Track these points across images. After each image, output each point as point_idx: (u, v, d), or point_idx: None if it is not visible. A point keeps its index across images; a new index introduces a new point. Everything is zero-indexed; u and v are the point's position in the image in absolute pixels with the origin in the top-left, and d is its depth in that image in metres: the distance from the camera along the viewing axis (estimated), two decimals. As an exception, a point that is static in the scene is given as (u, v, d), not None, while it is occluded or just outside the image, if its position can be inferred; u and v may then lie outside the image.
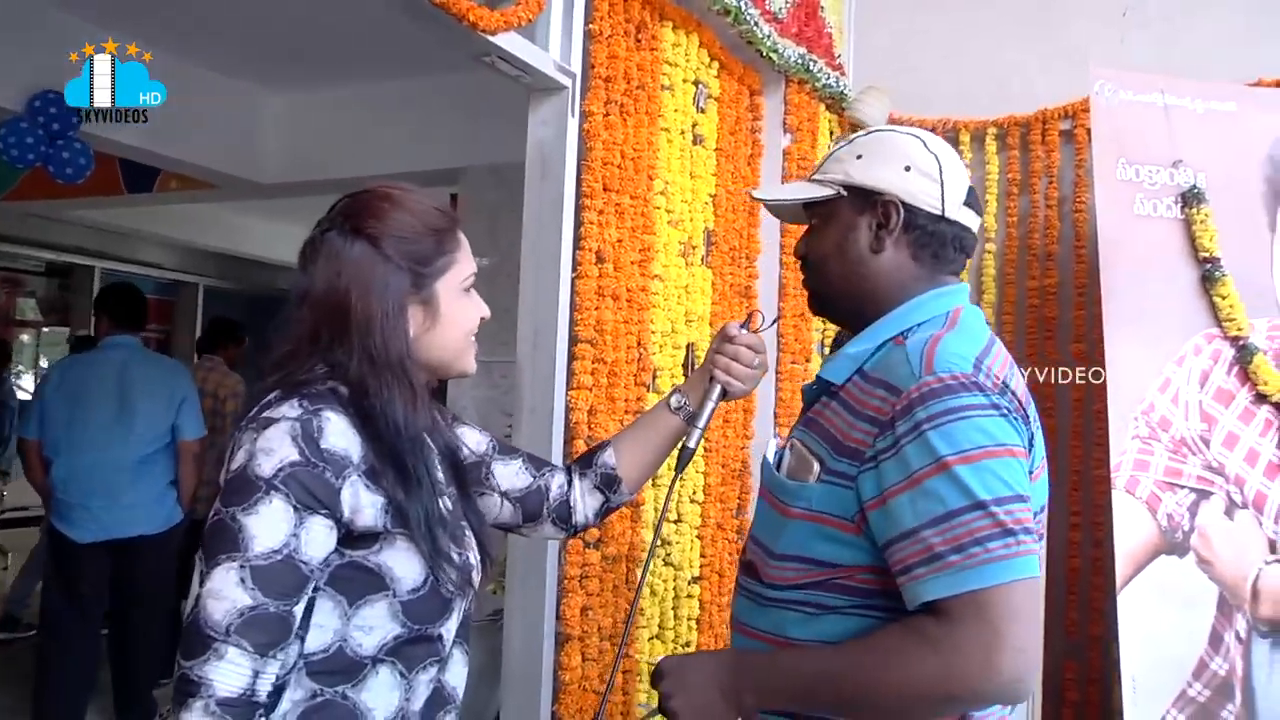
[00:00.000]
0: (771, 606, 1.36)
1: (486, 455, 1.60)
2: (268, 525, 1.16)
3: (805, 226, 1.52)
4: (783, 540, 1.36)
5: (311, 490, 1.18)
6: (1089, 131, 3.49)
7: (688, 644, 3.00)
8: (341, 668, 1.23)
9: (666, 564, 2.94)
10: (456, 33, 2.24)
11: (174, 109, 2.87)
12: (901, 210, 1.38)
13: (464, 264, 1.39)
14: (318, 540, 1.19)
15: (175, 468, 4.15)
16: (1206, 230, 3.15)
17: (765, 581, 1.38)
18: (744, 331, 1.60)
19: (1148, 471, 3.06)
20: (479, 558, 1.41)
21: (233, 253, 9.60)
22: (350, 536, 1.22)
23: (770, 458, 1.48)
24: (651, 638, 2.88)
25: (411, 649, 1.27)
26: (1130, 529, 3.01)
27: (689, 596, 3.07)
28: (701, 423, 1.59)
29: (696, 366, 3.04)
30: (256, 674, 1.14)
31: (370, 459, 1.24)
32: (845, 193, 1.41)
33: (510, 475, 1.60)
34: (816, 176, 1.47)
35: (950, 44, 4.06)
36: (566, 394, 2.53)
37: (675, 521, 2.97)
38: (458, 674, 1.39)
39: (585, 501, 1.63)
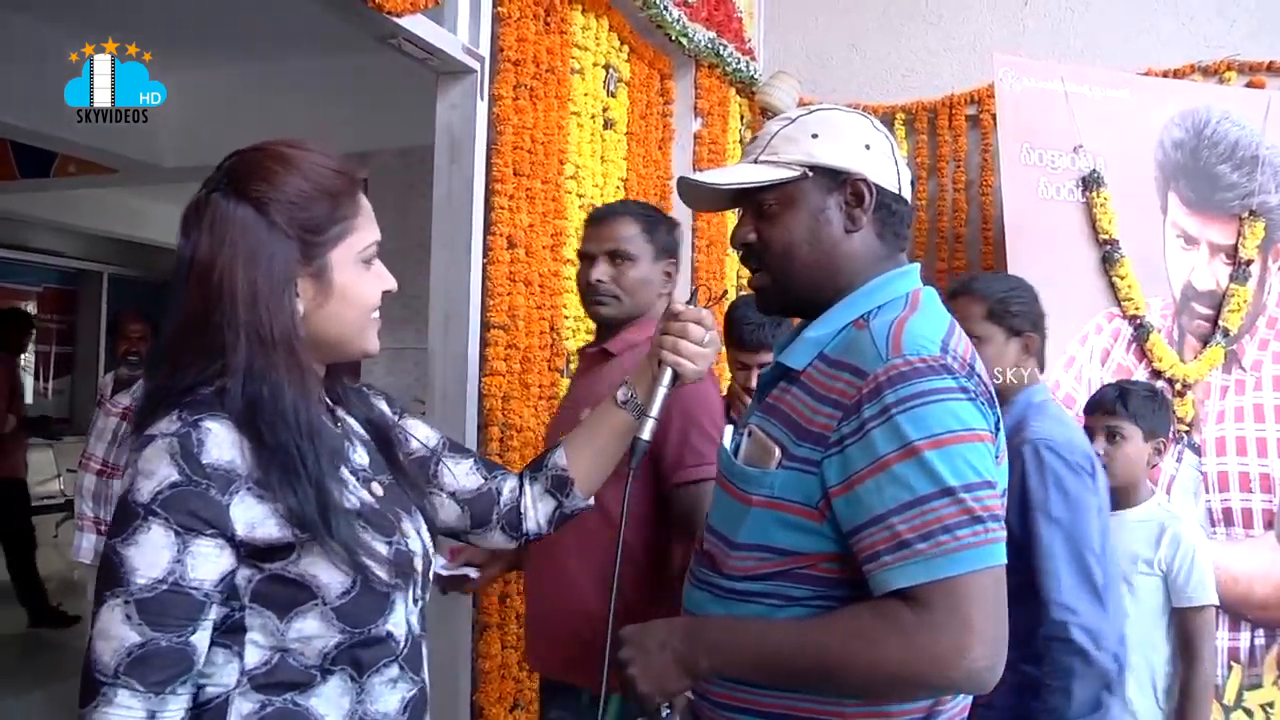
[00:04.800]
0: (732, 599, 1.32)
1: (436, 451, 1.48)
2: (148, 555, 1.06)
3: (729, 216, 1.45)
4: (744, 530, 1.31)
5: (195, 511, 1.08)
6: (994, 117, 3.56)
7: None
8: (288, 679, 1.15)
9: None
10: (361, 14, 2.20)
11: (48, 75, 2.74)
12: (874, 189, 1.34)
13: (363, 232, 1.25)
14: (206, 563, 1.08)
15: None
16: (1106, 213, 3.25)
17: (725, 573, 1.34)
18: (690, 307, 1.46)
19: (1052, 448, 3.13)
20: (424, 542, 1.31)
21: (138, 239, 9.29)
22: (263, 550, 1.12)
23: (728, 445, 1.43)
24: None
25: (360, 652, 1.18)
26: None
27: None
28: (654, 411, 1.44)
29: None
30: (152, 714, 1.06)
31: (258, 467, 1.13)
32: (811, 173, 1.34)
33: (460, 475, 1.47)
34: (766, 158, 1.38)
35: (857, 30, 4.12)
36: (480, 380, 2.51)
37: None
38: (425, 668, 1.31)
39: (537, 508, 1.50)
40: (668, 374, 1.44)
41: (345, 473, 1.24)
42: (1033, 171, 3.29)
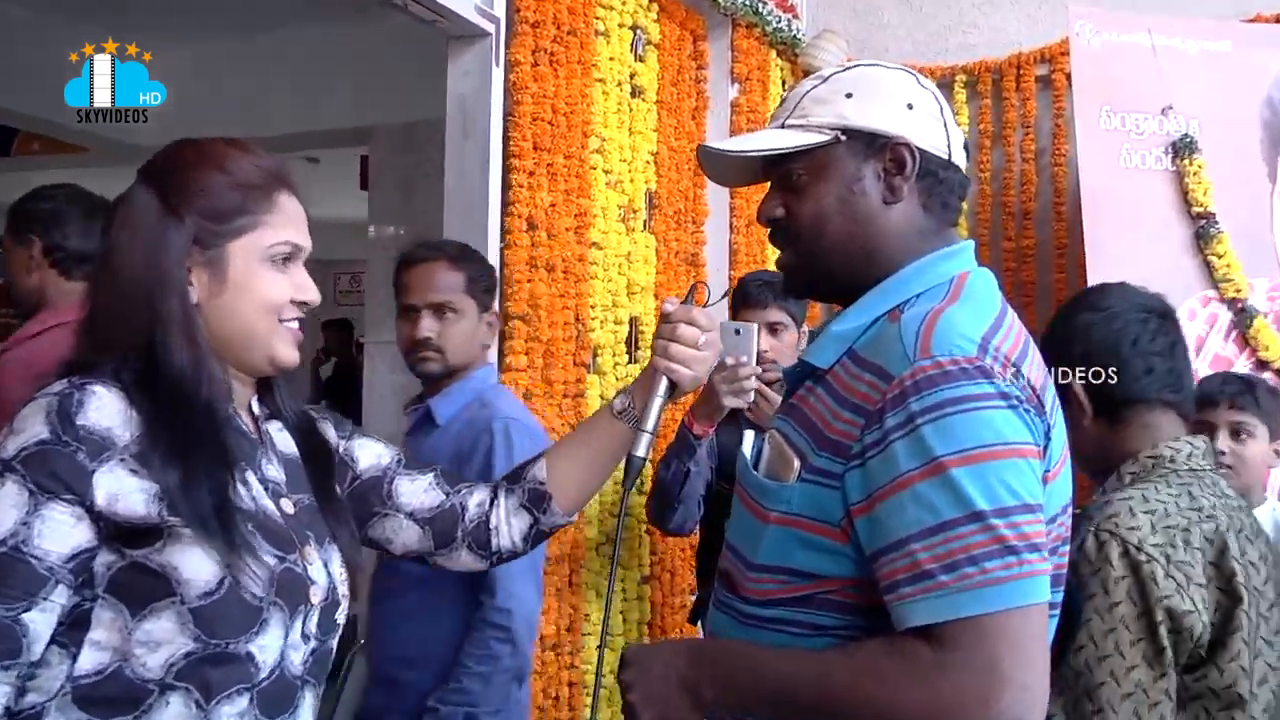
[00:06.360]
0: (753, 625, 1.29)
1: (388, 470, 1.49)
2: None
3: (762, 188, 1.41)
4: (762, 549, 1.28)
5: (55, 471, 1.11)
6: (1069, 77, 3.48)
7: (639, 655, 2.97)
8: (120, 694, 1.13)
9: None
10: (361, -29, 2.15)
11: (33, 59, 2.75)
12: (917, 154, 1.30)
13: (275, 230, 1.29)
14: (58, 531, 1.11)
15: None
16: (1200, 183, 3.16)
17: (743, 596, 1.31)
18: (684, 307, 1.46)
19: (1139, 449, 3.06)
20: (331, 577, 1.31)
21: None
22: (127, 533, 1.14)
23: (747, 453, 1.40)
24: (598, 646, 2.84)
25: (210, 671, 1.16)
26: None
27: (638, 599, 3.02)
28: (649, 425, 1.45)
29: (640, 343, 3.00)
30: None
31: (143, 441, 1.17)
32: (843, 137, 1.31)
33: (417, 493, 1.49)
34: (794, 121, 1.34)
35: (912, -18, 4.04)
36: (497, 377, 2.46)
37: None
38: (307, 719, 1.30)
39: (510, 524, 1.50)
40: (663, 383, 1.44)
41: (252, 478, 1.28)
42: (1114, 137, 3.22)
